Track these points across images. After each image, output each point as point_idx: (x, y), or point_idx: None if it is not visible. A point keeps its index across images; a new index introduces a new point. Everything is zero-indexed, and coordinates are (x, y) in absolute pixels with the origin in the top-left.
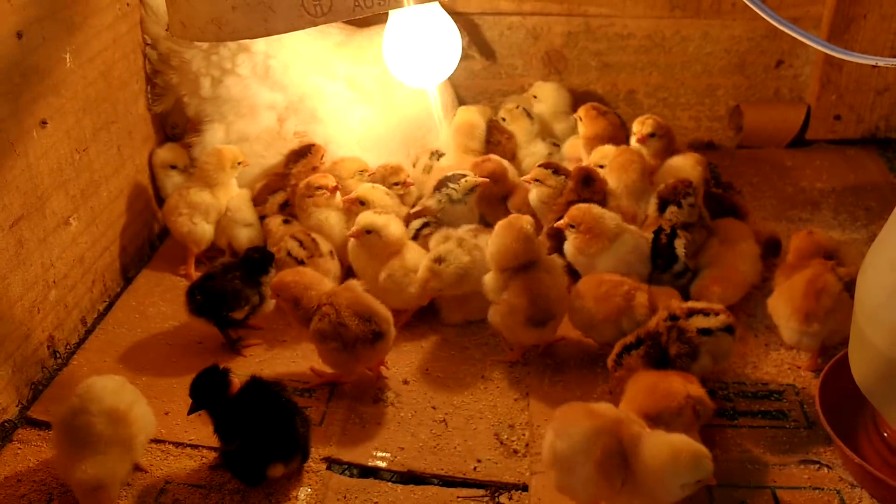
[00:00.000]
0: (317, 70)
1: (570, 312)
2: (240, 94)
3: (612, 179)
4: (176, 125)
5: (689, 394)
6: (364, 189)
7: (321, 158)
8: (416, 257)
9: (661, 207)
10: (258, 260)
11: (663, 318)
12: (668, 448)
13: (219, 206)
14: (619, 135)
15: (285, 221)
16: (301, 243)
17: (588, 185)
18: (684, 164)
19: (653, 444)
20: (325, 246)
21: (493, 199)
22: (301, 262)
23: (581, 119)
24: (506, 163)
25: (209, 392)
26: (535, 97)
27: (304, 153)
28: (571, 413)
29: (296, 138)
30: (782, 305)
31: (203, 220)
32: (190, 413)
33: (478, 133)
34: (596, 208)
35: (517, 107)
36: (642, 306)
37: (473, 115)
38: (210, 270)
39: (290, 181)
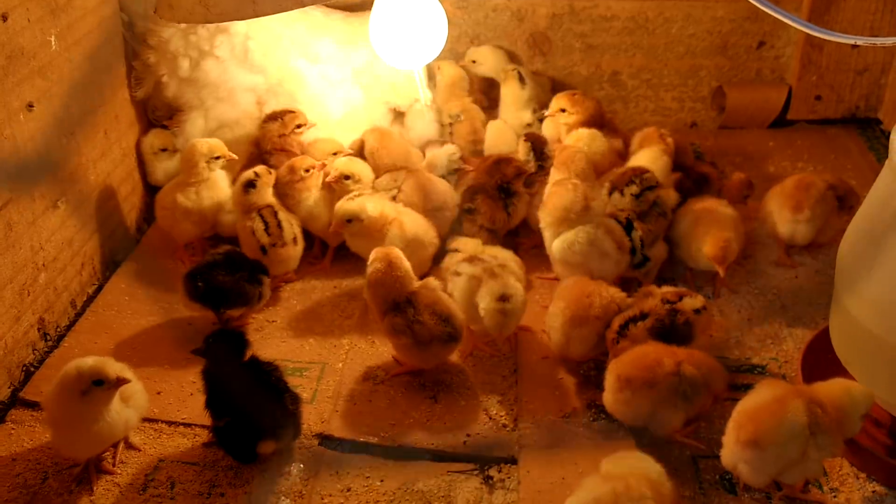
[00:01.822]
0: (297, 53)
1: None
2: (218, 77)
3: (557, 172)
4: (156, 108)
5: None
6: (342, 163)
7: (295, 128)
8: (412, 221)
9: (609, 192)
10: (257, 263)
11: (659, 301)
12: (842, 389)
13: (201, 206)
14: (603, 118)
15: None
16: (266, 227)
17: (499, 167)
18: (648, 156)
19: (828, 391)
20: (289, 233)
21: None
22: (262, 249)
23: (566, 109)
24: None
25: (224, 350)
26: (473, 62)
27: (277, 117)
28: None
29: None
30: (775, 200)
31: (185, 220)
32: (195, 352)
33: (465, 84)
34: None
35: (513, 69)
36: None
37: (459, 69)
38: (213, 259)
39: (264, 137)
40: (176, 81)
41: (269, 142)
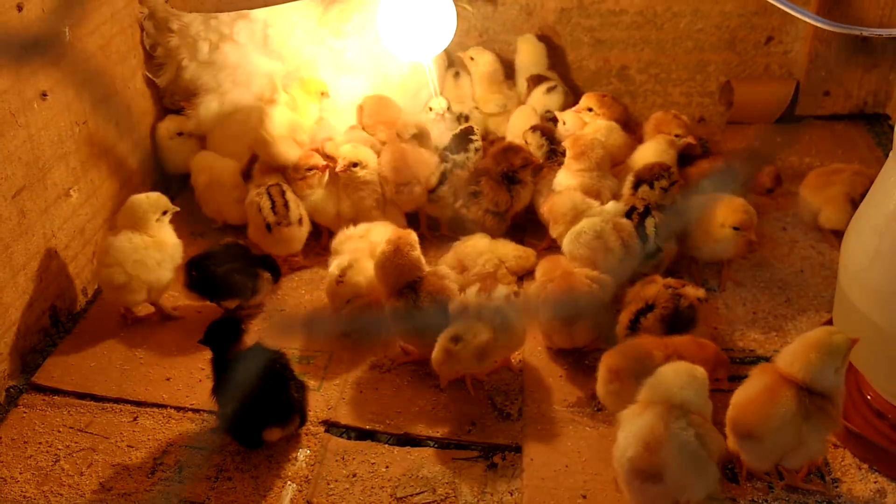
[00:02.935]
0: (310, 40)
1: None
2: (236, 60)
3: (574, 163)
4: (174, 93)
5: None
6: (348, 151)
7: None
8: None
9: (635, 186)
10: (260, 258)
11: (661, 287)
12: (804, 347)
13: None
14: (628, 119)
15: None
16: (273, 206)
17: (507, 155)
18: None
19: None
20: (295, 214)
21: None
22: (268, 227)
23: (593, 109)
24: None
25: (220, 337)
26: (472, 58)
27: None
28: None
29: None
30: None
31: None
32: (202, 342)
33: (501, 73)
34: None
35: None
36: None
37: (493, 56)
38: (212, 249)
39: None
40: (195, 64)
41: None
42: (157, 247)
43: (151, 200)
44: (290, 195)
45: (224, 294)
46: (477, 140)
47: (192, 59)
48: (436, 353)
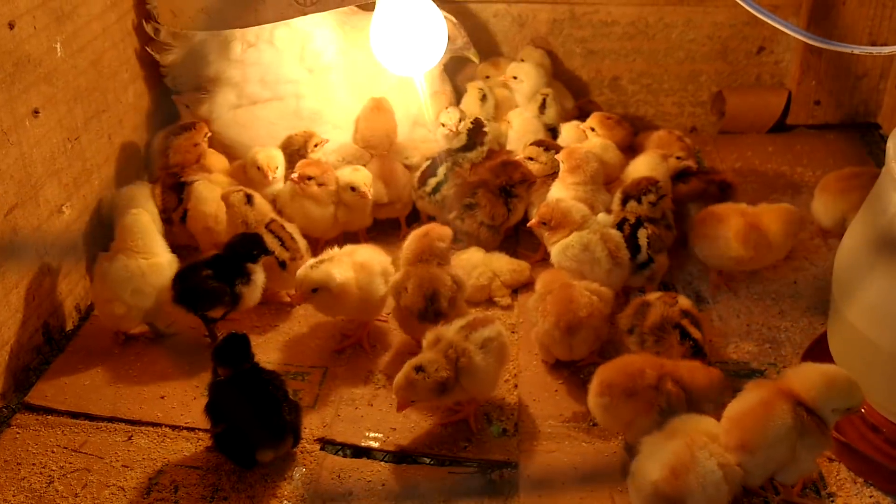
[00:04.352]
0: (341, 54)
1: None
2: (270, 61)
3: (569, 176)
4: (179, 76)
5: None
6: (348, 175)
7: (204, 136)
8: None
9: (623, 202)
10: (234, 257)
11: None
12: (821, 376)
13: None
14: (632, 142)
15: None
16: (282, 242)
17: (506, 169)
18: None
19: (805, 375)
20: (302, 244)
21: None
22: (282, 264)
23: (594, 129)
24: None
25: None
26: (514, 78)
27: (188, 127)
28: None
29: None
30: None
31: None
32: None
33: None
34: (564, 202)
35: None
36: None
37: (542, 52)
38: (196, 260)
39: (168, 154)
40: (224, 63)
41: (183, 152)
42: (153, 270)
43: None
44: (290, 227)
45: (205, 303)
46: (488, 130)
47: (222, 58)
48: (398, 379)
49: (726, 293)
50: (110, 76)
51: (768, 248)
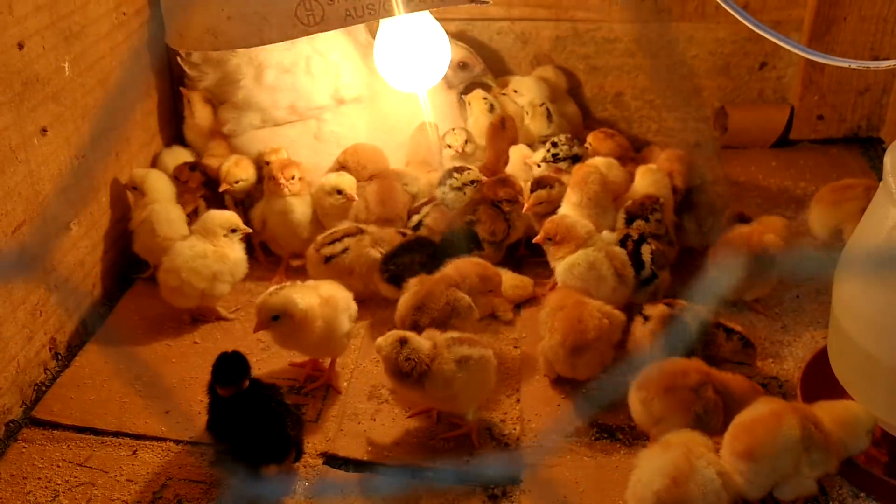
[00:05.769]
0: (368, 87)
1: None
2: (303, 87)
3: (573, 193)
4: (199, 81)
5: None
6: (333, 179)
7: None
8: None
9: (628, 222)
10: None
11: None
12: (844, 406)
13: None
14: (627, 155)
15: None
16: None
17: (504, 186)
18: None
19: (831, 409)
20: None
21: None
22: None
23: (591, 144)
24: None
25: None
26: (515, 91)
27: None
28: None
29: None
30: None
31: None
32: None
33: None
34: (569, 218)
35: (542, 105)
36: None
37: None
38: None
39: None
40: (258, 89)
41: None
42: (218, 258)
43: (222, 218)
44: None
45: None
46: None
47: (256, 84)
48: (389, 334)
49: (729, 307)
50: (118, 94)
51: None
